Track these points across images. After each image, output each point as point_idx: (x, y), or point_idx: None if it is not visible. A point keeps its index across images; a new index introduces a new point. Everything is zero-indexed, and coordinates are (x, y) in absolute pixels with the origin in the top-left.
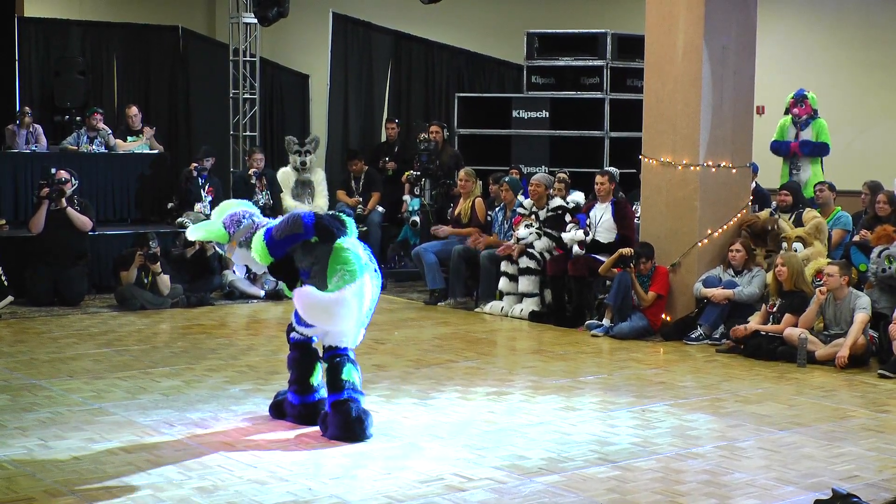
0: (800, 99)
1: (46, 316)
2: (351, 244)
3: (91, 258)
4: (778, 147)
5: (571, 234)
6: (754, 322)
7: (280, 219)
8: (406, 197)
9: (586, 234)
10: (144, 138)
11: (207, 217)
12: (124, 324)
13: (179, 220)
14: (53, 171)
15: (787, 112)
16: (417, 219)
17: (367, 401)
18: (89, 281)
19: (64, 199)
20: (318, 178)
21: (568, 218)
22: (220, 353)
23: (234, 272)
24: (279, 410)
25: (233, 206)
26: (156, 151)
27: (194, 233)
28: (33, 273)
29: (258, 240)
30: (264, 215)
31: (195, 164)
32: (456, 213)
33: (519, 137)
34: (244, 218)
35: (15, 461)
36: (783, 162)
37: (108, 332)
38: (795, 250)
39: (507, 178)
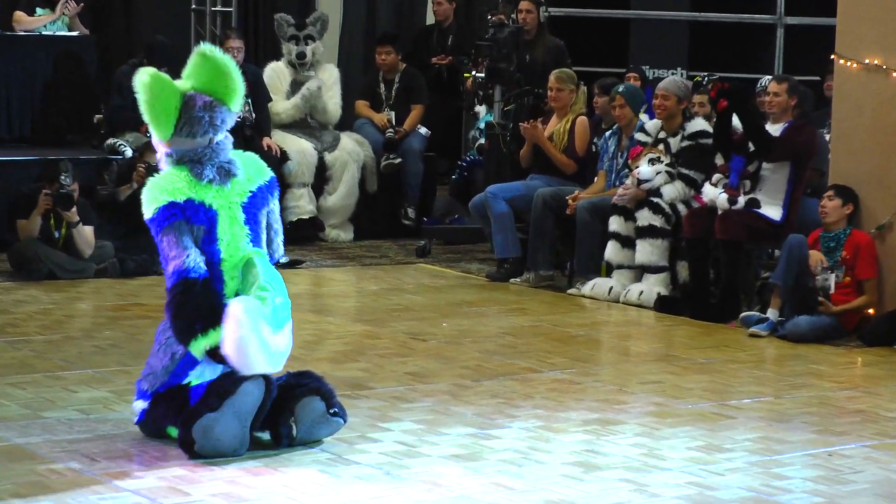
0: None
1: None
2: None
3: None
4: None
5: (713, 193)
6: None
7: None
8: (479, 108)
9: (732, 200)
10: (60, 11)
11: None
12: (23, 300)
13: (111, 142)
14: None
15: None
16: (483, 141)
17: (400, 429)
18: None
19: None
20: (328, 78)
21: (719, 161)
22: None
23: None
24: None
25: (226, 80)
26: (76, 33)
27: (144, 87)
28: None
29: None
30: (242, 137)
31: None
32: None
33: (641, 23)
34: (210, 123)
35: None
36: None
37: None
38: None
39: (621, 88)
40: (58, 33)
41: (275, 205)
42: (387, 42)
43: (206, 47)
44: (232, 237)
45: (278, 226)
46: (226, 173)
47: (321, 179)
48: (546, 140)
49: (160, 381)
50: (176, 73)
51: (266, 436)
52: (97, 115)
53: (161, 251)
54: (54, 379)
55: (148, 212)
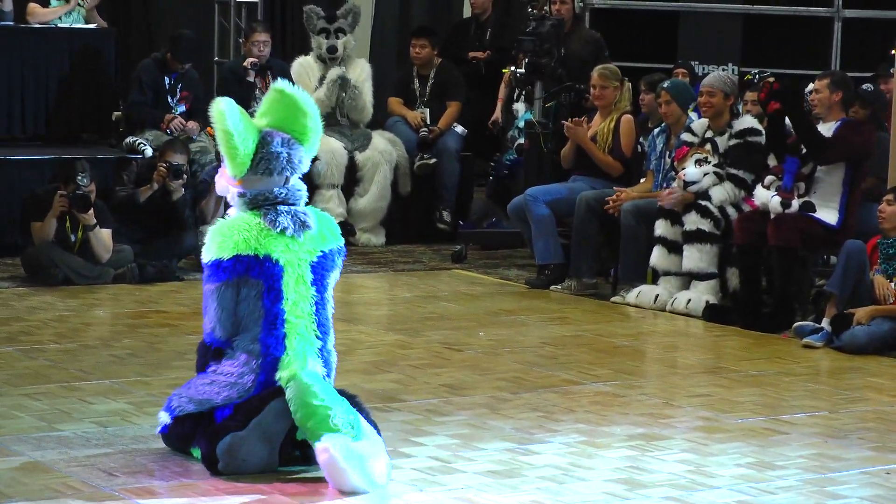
0: None
1: None
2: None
3: None
4: None
5: (766, 196)
6: None
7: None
8: (518, 106)
9: (786, 204)
10: (75, 2)
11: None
12: (37, 307)
13: (130, 140)
14: None
15: None
16: (522, 141)
17: (434, 444)
18: None
19: None
20: (359, 73)
21: (772, 163)
22: (191, 359)
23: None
24: None
25: (304, 119)
26: (93, 26)
27: (222, 119)
28: None
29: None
30: None
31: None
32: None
33: (691, 16)
34: (288, 160)
35: None
36: None
37: (10, 321)
38: None
39: (667, 84)
40: (75, 26)
41: (338, 274)
42: (422, 35)
43: (283, 84)
44: (297, 297)
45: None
46: (301, 224)
47: (351, 181)
48: (589, 140)
49: (190, 409)
50: (200, 70)
51: (296, 452)
52: (115, 113)
53: (204, 296)
54: (70, 390)
55: (207, 255)
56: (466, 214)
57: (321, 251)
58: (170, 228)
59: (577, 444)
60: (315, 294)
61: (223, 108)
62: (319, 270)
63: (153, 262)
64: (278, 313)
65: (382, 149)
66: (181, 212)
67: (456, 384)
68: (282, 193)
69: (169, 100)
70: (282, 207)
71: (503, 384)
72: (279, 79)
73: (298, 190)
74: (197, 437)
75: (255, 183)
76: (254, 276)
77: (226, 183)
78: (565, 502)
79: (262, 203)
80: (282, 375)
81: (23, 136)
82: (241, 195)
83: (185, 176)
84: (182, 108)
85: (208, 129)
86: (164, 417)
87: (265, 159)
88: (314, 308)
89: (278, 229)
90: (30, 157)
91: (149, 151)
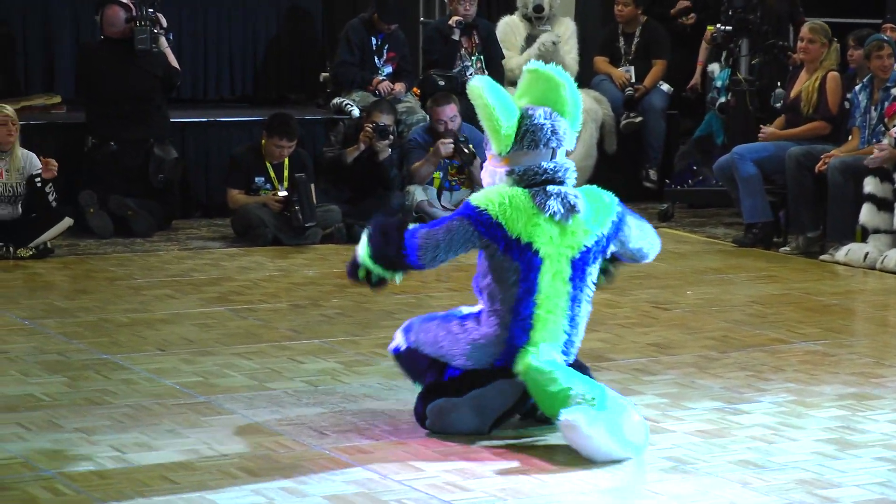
0: None
1: (125, 252)
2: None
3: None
4: None
5: None
6: None
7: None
8: (712, 67)
9: None
10: None
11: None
12: (247, 267)
13: (337, 101)
14: None
15: None
16: (725, 100)
17: (642, 403)
18: (182, 198)
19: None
20: (565, 31)
21: None
22: (401, 319)
23: (424, 189)
24: None
25: (559, 92)
26: None
27: (480, 94)
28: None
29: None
30: None
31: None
32: (792, 95)
33: None
34: (552, 131)
35: (76, 481)
36: None
37: (222, 281)
38: None
39: (885, 36)
40: None
41: (628, 231)
42: None
43: (535, 64)
44: (552, 292)
45: (640, 244)
46: (570, 207)
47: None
48: (782, 133)
49: (427, 351)
50: (406, 30)
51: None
52: (323, 74)
53: (442, 219)
54: (280, 349)
55: (478, 198)
56: (674, 173)
57: (584, 246)
58: (377, 188)
59: (786, 403)
60: (571, 290)
61: (480, 84)
62: (580, 266)
63: (360, 222)
64: (529, 304)
65: (588, 107)
66: (388, 172)
67: (664, 343)
68: (550, 167)
69: (376, 60)
70: (551, 188)
71: (711, 343)
72: (531, 62)
73: (567, 168)
74: (425, 377)
75: (522, 157)
76: (512, 256)
77: (492, 168)
78: (775, 462)
79: (532, 179)
80: (519, 370)
81: (231, 97)
82: (510, 173)
83: (391, 136)
84: (389, 69)
85: (414, 89)
86: (401, 341)
87: (530, 131)
88: (569, 304)
89: (548, 213)
90: (239, 119)
91: (356, 112)
